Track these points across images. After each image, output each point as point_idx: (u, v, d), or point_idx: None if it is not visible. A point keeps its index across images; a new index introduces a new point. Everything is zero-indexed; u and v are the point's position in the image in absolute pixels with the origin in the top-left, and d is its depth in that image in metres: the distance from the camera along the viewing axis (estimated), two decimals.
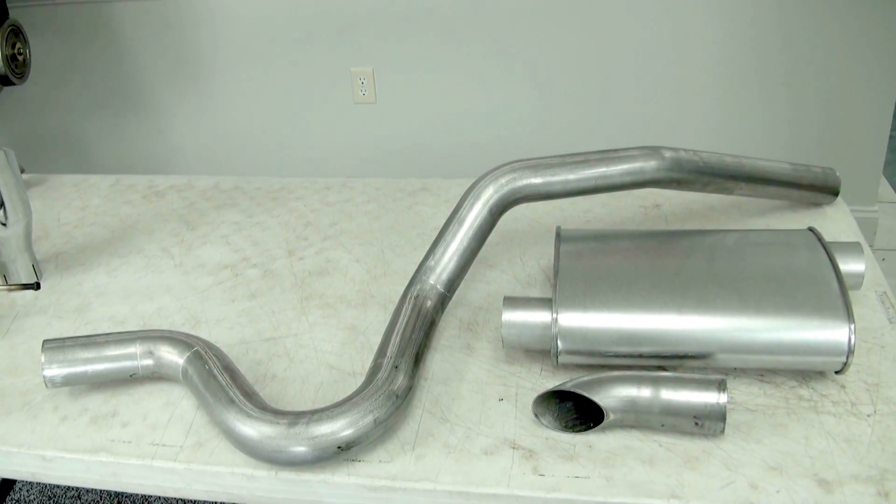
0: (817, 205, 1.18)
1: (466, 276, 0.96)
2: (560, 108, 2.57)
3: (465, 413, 0.80)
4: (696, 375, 0.75)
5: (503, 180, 0.90)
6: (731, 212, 1.18)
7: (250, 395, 0.77)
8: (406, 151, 2.74)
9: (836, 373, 0.80)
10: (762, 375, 0.83)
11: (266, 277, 1.09)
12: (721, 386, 0.73)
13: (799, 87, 2.40)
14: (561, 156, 0.93)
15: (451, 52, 2.57)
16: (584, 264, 0.86)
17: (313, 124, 2.79)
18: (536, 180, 0.91)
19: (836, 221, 1.14)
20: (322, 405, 0.80)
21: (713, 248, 0.89)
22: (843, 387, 0.81)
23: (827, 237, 1.07)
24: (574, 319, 0.80)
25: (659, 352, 0.79)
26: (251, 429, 0.73)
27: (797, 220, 1.14)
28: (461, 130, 2.67)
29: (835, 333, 0.77)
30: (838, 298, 0.78)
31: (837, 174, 1.17)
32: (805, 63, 2.36)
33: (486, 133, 2.65)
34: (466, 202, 0.91)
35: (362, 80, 2.68)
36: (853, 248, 0.91)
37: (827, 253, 0.85)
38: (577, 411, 0.78)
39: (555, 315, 0.80)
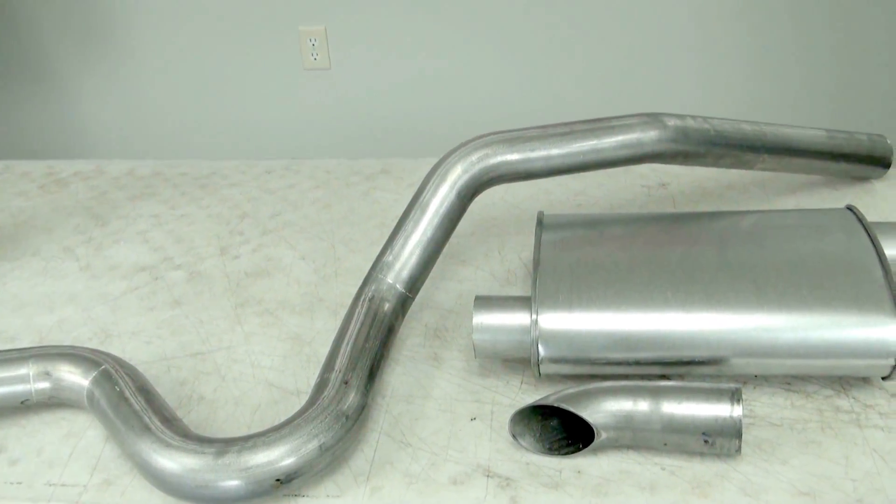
0: (863, 179, 1.20)
1: (433, 274, 0.98)
2: (547, 73, 2.60)
3: (430, 436, 0.82)
4: (705, 384, 0.76)
5: (473, 157, 0.92)
6: (752, 190, 1.20)
7: (170, 421, 0.78)
8: (364, 126, 2.75)
9: (884, 378, 0.82)
10: (789, 384, 0.85)
11: (193, 281, 1.10)
12: (735, 396, 0.74)
13: (842, 39, 2.43)
14: (542, 127, 0.94)
15: (417, 7, 2.58)
16: (570, 255, 0.88)
17: (252, 96, 2.79)
18: (513, 157, 0.92)
19: (887, 199, 1.16)
20: (259, 430, 0.81)
21: (725, 233, 0.91)
22: (893, 395, 0.83)
23: (876, 217, 1.08)
24: (557, 321, 0.82)
25: (660, 357, 0.81)
26: (171, 461, 0.73)
27: (837, 198, 1.17)
28: (430, 101, 2.68)
29: (880, 331, 0.78)
30: (883, 289, 0.80)
31: (889, 141, 1.19)
32: (847, 8, 2.40)
33: (460, 104, 2.67)
34: (430, 184, 0.92)
35: (313, 41, 2.68)
36: None
37: (869, 235, 0.87)
38: (563, 430, 0.80)
39: (534, 316, 0.82)
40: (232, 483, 0.72)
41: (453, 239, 1.07)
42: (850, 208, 0.93)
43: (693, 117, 1.00)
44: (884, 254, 0.84)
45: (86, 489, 0.79)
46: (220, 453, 0.73)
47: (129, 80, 2.83)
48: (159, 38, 2.75)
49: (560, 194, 1.22)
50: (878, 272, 0.82)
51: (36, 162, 1.46)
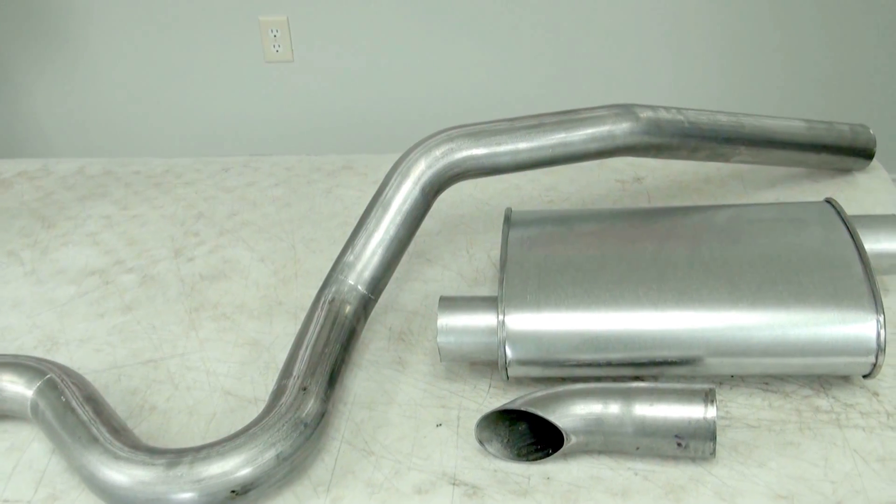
0: (846, 171, 1.22)
1: (397, 274, 0.98)
2: (518, 64, 2.60)
3: (393, 443, 0.82)
4: (678, 385, 0.77)
5: (437, 152, 0.92)
6: (730, 184, 1.21)
7: (119, 432, 0.78)
8: (327, 121, 2.74)
9: (865, 377, 0.83)
10: (766, 383, 0.86)
11: (145, 285, 1.10)
12: (708, 397, 0.75)
13: (825, 25, 2.46)
14: (509, 119, 0.95)
15: None
16: (538, 253, 0.89)
17: (210, 90, 2.78)
18: (479, 151, 0.93)
19: (871, 191, 1.17)
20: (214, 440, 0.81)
21: (700, 228, 0.92)
22: (875, 394, 0.84)
23: (858, 210, 1.10)
24: (525, 322, 0.82)
25: (632, 358, 0.82)
26: (120, 473, 0.73)
27: (818, 191, 1.18)
28: (397, 94, 2.68)
29: (859, 327, 0.79)
30: (862, 284, 0.81)
31: (872, 132, 1.20)
32: None
33: (428, 97, 2.67)
34: (392, 181, 0.93)
35: (275, 32, 2.68)
36: (887, 223, 0.94)
37: (848, 229, 0.88)
38: (531, 435, 0.81)
39: (501, 317, 0.82)
40: (185, 496, 0.72)
41: (419, 237, 1.08)
42: (829, 201, 0.94)
43: (667, 108, 1.01)
44: (863, 248, 0.85)
45: None
46: (171, 464, 0.73)
47: (78, 74, 2.81)
48: (111, 30, 2.73)
49: (531, 190, 1.23)
50: (857, 267, 0.83)
51: None
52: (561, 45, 2.57)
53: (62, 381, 0.83)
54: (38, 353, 0.98)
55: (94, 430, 0.77)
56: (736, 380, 0.86)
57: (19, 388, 0.83)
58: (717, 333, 0.81)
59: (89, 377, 0.90)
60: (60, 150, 2.89)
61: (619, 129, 0.96)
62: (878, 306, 0.79)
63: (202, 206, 1.27)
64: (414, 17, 2.59)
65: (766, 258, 0.86)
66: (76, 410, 0.79)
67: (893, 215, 0.95)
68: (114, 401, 0.88)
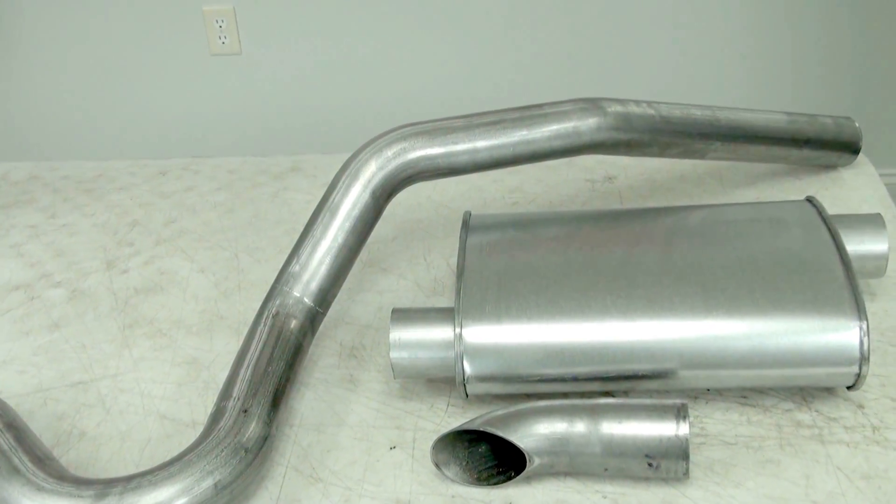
0: (830, 167, 1.23)
1: (348, 285, 0.98)
2: (482, 58, 2.61)
3: (343, 468, 0.82)
4: (648, 401, 0.78)
5: (389, 152, 0.93)
6: (708, 182, 1.23)
7: (43, 461, 0.77)
8: (275, 119, 2.73)
9: (849, 388, 0.84)
10: (745, 397, 0.87)
11: (74, 300, 1.09)
12: (681, 413, 0.76)
13: (807, 10, 2.49)
14: (467, 116, 0.95)
15: None
16: (498, 260, 0.89)
17: (148, 86, 2.76)
18: (434, 150, 0.93)
19: (856, 189, 1.19)
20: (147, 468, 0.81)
21: (671, 231, 0.93)
22: (860, 406, 0.85)
23: (843, 209, 1.11)
24: (484, 334, 0.83)
25: (600, 372, 0.82)
26: None
27: (800, 189, 1.20)
28: (352, 89, 2.68)
29: (841, 336, 0.80)
30: (843, 289, 0.82)
31: (857, 125, 1.22)
32: None
33: (385, 93, 2.67)
34: (340, 184, 0.93)
35: (220, 22, 2.67)
36: (872, 223, 0.94)
37: (829, 229, 0.89)
38: (492, 458, 0.81)
39: (458, 330, 0.82)
40: None
41: (372, 244, 1.08)
42: (809, 200, 0.95)
43: (636, 102, 1.02)
44: (845, 249, 0.86)
45: None
46: (99, 496, 0.72)
47: (0, 69, 2.78)
48: (38, 18, 2.70)
49: (494, 191, 1.23)
50: (839, 270, 0.84)
51: None
52: (529, 38, 2.58)
53: None
54: None
55: (16, 460, 0.76)
56: (712, 394, 0.87)
57: None
58: (691, 344, 0.82)
59: (12, 402, 0.89)
60: None
61: (586, 124, 0.97)
62: (860, 312, 0.80)
63: (137, 213, 1.27)
64: (371, 8, 2.59)
65: (743, 262, 0.86)
66: None
67: (877, 214, 0.96)
68: (39, 427, 0.88)
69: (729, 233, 0.91)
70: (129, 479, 0.74)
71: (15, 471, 0.76)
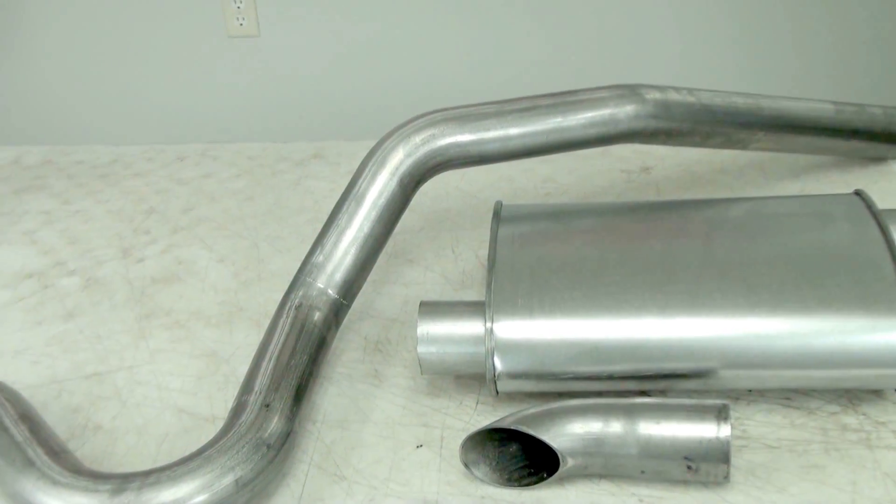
0: (879, 160, 1.23)
1: (373, 277, 0.99)
2: (512, 41, 2.61)
3: (368, 466, 0.82)
4: (687, 401, 0.77)
5: (417, 139, 0.93)
6: (749, 174, 1.22)
7: (59, 455, 0.78)
8: (296, 104, 2.74)
9: None
10: (788, 399, 0.86)
11: (89, 289, 1.10)
12: (722, 414, 0.76)
13: (855, 1, 2.47)
14: (499, 102, 0.95)
15: None
16: (531, 253, 0.89)
17: (164, 69, 2.78)
18: (464, 137, 0.93)
19: None
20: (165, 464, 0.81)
21: (713, 224, 0.93)
22: None
23: (893, 203, 1.10)
24: (516, 329, 0.83)
25: (637, 371, 0.82)
26: (59, 501, 0.73)
27: (847, 182, 1.19)
28: (376, 73, 2.68)
29: (890, 336, 0.80)
30: (893, 287, 0.81)
31: None
32: None
33: (410, 77, 2.67)
34: (367, 171, 0.93)
35: (238, 2, 2.68)
36: None
37: (879, 225, 0.88)
38: (523, 458, 0.81)
39: (489, 324, 0.83)
40: None
41: (399, 235, 1.08)
42: (858, 193, 0.94)
43: (676, 89, 1.01)
44: (895, 245, 0.85)
45: None
46: (116, 491, 0.73)
47: (12, 51, 2.80)
48: (53, 2, 2.72)
49: (525, 181, 1.23)
50: (889, 268, 0.83)
51: None
52: (562, 19, 2.57)
53: None
54: None
55: (30, 453, 0.77)
56: (753, 395, 0.87)
57: None
58: (733, 342, 0.81)
59: (25, 393, 0.90)
60: None
61: (623, 112, 0.97)
62: None
63: (154, 199, 1.27)
64: None
65: (787, 258, 0.86)
66: (10, 430, 0.79)
67: None
68: (53, 419, 0.88)
69: (773, 227, 0.91)
70: (147, 473, 0.74)
71: (30, 464, 0.76)
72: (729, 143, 1.08)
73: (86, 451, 0.86)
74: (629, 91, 0.98)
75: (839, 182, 1.19)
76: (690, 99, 1.01)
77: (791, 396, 0.86)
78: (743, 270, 0.85)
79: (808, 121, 1.11)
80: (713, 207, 0.97)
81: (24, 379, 0.96)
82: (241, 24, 2.70)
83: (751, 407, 0.86)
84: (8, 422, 0.80)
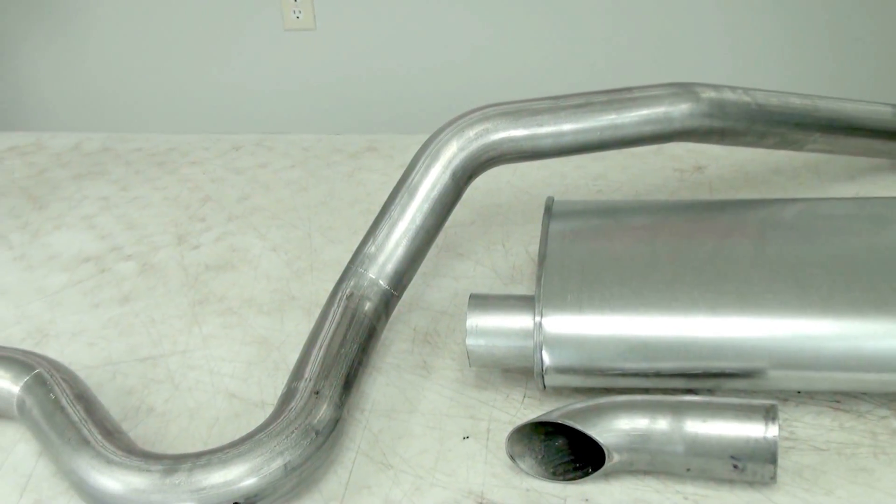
0: None
1: (423, 269, 0.99)
2: (565, 37, 2.60)
3: (415, 456, 0.83)
4: (735, 400, 0.77)
5: (471, 133, 0.93)
6: (804, 176, 1.21)
7: (113, 434, 0.79)
8: (351, 96, 2.75)
9: None
10: (837, 401, 0.85)
11: (145, 274, 1.12)
12: (770, 414, 0.75)
13: None
14: (553, 98, 0.96)
15: None
16: (582, 248, 0.89)
17: (221, 60, 2.80)
18: (518, 132, 0.93)
19: None
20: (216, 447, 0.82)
21: (765, 223, 0.92)
22: None
23: None
24: (565, 324, 0.83)
25: (685, 369, 0.82)
26: (112, 479, 0.75)
27: None
28: (429, 67, 2.69)
29: None
30: None
31: None
32: None
33: (464, 71, 2.67)
34: (420, 164, 0.93)
35: None
36: None
37: None
38: (569, 452, 0.81)
39: (538, 318, 0.83)
40: None
41: (449, 229, 1.09)
42: None
43: (732, 88, 1.01)
44: None
45: None
46: (168, 471, 0.74)
47: (76, 40, 2.84)
48: None
49: (577, 178, 1.23)
50: None
51: None
52: (616, 15, 2.56)
53: (52, 376, 0.85)
54: (27, 346, 1.00)
55: (85, 432, 0.79)
56: (802, 396, 0.86)
57: (5, 383, 0.85)
58: (783, 343, 0.81)
59: (81, 373, 0.91)
60: (56, 123, 2.92)
61: (678, 110, 0.97)
62: None
63: (209, 188, 1.29)
64: None
65: (841, 260, 0.85)
66: (66, 409, 0.81)
67: None
68: (107, 400, 0.90)
69: (827, 228, 0.90)
70: (198, 455, 0.75)
71: (85, 442, 0.78)
72: (784, 144, 1.07)
73: (139, 432, 0.88)
74: (684, 89, 0.98)
75: (895, 185, 1.17)
76: (746, 98, 1.01)
77: (840, 399, 0.85)
78: (795, 271, 0.84)
79: (865, 123, 1.10)
80: (766, 207, 0.97)
81: (81, 360, 0.97)
82: (298, 18, 2.72)
83: (799, 409, 0.85)
84: (65, 401, 0.82)
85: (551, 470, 0.80)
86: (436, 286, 1.05)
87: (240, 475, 0.74)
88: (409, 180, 0.93)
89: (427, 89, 2.71)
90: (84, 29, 2.82)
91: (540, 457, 0.80)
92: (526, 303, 0.85)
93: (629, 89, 0.97)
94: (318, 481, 0.80)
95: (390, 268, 0.92)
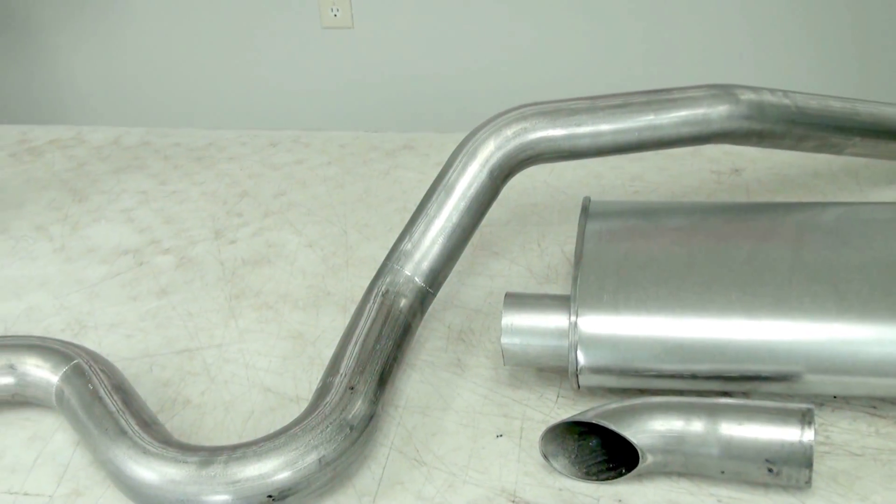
0: None
1: (459, 267, 0.99)
2: (603, 37, 2.59)
3: (448, 453, 0.83)
4: (771, 403, 0.77)
5: (508, 132, 0.93)
6: (842, 180, 1.20)
7: (149, 426, 0.80)
8: (388, 94, 2.76)
9: None
10: (874, 407, 0.85)
11: (182, 267, 1.13)
12: (806, 418, 0.75)
13: None
14: (591, 98, 0.95)
15: None
16: (618, 249, 0.89)
17: (260, 57, 2.82)
18: (556, 132, 0.93)
19: None
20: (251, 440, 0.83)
21: (804, 227, 0.92)
22: None
23: None
24: (601, 324, 0.83)
25: (720, 371, 0.82)
26: (149, 470, 0.75)
27: None
28: (466, 66, 2.69)
29: None
30: None
31: None
32: None
33: (501, 70, 2.67)
34: (457, 162, 0.94)
35: None
36: None
37: None
38: (603, 452, 0.81)
39: (574, 318, 0.83)
40: (218, 498, 0.74)
41: (485, 227, 1.09)
42: None
43: (771, 91, 1.00)
44: None
45: (52, 500, 0.81)
46: (204, 463, 0.75)
47: (116, 35, 2.86)
48: None
49: (613, 178, 1.23)
50: None
51: (7, 127, 1.49)
52: (655, 17, 2.56)
53: (90, 367, 0.86)
54: (65, 337, 1.01)
55: (123, 422, 0.79)
56: (839, 401, 0.86)
57: (44, 373, 0.86)
58: (820, 347, 0.80)
59: (119, 365, 0.92)
60: (96, 117, 2.95)
61: (716, 112, 0.96)
62: None
63: (247, 183, 1.30)
64: None
65: (880, 265, 0.84)
66: (104, 400, 0.82)
67: None
68: (144, 391, 0.91)
69: (866, 232, 0.89)
70: (234, 448, 0.76)
71: (122, 433, 0.79)
72: (823, 148, 1.06)
73: (175, 424, 0.88)
74: (723, 91, 0.97)
75: None
76: (785, 101, 1.00)
77: (877, 405, 0.85)
78: (833, 275, 0.84)
79: None
80: (805, 211, 0.96)
81: (119, 352, 0.98)
82: (336, 16, 2.73)
83: (835, 414, 0.84)
84: (102, 392, 0.83)
85: (584, 470, 0.80)
86: (471, 284, 1.05)
87: (274, 468, 0.75)
88: (447, 178, 0.93)
89: (464, 89, 2.71)
90: (124, 25, 2.85)
91: (573, 456, 0.80)
92: (561, 302, 0.85)
93: (668, 90, 0.97)
94: (351, 476, 0.81)
95: (426, 265, 0.92)
